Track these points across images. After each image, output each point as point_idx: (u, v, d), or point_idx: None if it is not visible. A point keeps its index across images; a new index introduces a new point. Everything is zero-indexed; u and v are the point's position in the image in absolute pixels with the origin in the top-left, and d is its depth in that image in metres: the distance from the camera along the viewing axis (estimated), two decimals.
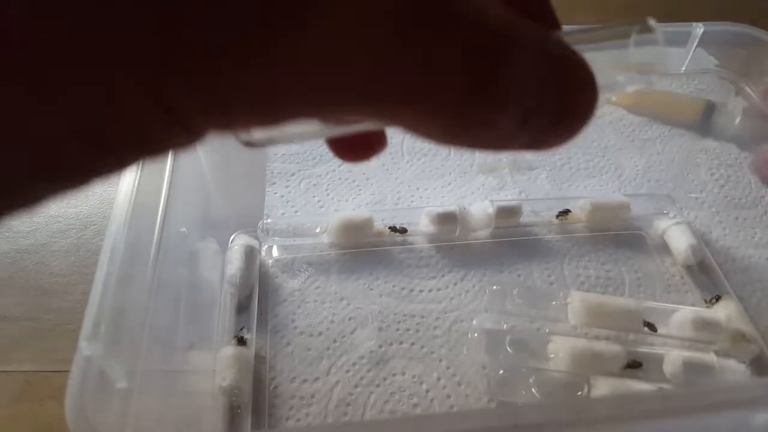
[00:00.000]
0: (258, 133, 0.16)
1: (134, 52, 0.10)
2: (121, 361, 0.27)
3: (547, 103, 0.13)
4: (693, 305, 0.39)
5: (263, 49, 0.11)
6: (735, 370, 0.35)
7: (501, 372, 0.35)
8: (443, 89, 0.12)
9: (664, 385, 0.34)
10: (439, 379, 0.36)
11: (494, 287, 0.39)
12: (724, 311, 0.38)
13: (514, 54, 0.12)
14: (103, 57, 0.10)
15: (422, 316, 0.39)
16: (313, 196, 0.46)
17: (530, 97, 0.13)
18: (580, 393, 0.34)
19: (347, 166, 0.49)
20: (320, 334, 0.38)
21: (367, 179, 0.48)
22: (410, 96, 0.12)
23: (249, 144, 0.16)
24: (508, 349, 0.36)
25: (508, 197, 0.46)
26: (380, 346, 0.37)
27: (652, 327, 0.36)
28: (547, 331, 0.38)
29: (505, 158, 0.50)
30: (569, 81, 0.13)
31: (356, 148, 0.18)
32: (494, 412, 0.33)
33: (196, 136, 0.12)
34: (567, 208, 0.44)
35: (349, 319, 0.39)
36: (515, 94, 0.13)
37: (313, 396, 0.35)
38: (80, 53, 0.10)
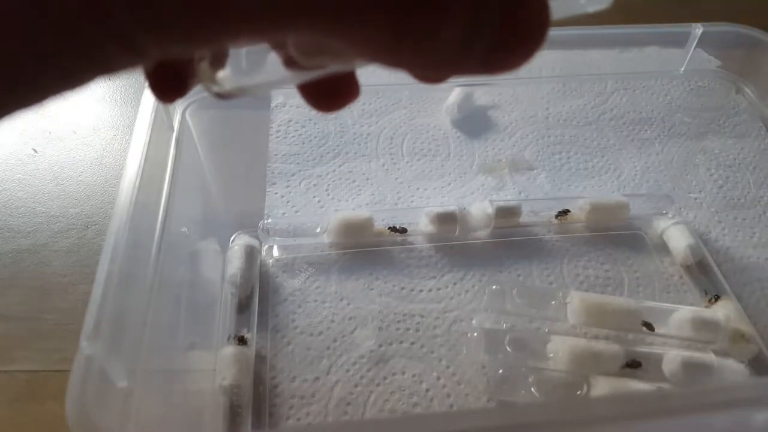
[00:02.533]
0: (227, 82, 0.16)
1: None
2: (121, 361, 0.27)
3: (488, 17, 0.13)
4: (692, 305, 0.39)
5: None
6: (734, 369, 0.35)
7: (500, 371, 0.35)
8: None
9: (663, 385, 0.34)
10: (438, 378, 0.36)
11: (494, 287, 0.39)
12: (723, 311, 0.38)
13: None
14: None
15: (422, 316, 0.39)
16: (314, 196, 0.47)
17: (467, 9, 0.12)
18: (579, 392, 0.34)
19: (347, 167, 0.49)
20: (320, 333, 0.38)
21: (367, 179, 0.48)
22: (335, 7, 0.12)
23: (220, 95, 0.17)
24: (508, 348, 0.36)
25: (507, 197, 0.46)
26: (380, 346, 0.37)
27: (650, 327, 0.36)
28: (546, 330, 0.38)
29: (504, 158, 0.50)
30: None
31: (329, 96, 0.18)
32: (494, 411, 0.33)
33: (136, 50, 0.12)
34: (566, 208, 0.44)
35: (349, 318, 0.39)
36: (448, 5, 0.12)
37: (313, 395, 0.35)
38: None
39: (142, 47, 0.12)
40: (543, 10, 0.13)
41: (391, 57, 0.13)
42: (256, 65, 0.16)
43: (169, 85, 0.16)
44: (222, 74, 0.16)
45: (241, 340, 0.37)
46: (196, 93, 0.44)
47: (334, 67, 0.16)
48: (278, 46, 0.16)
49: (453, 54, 0.13)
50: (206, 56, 0.16)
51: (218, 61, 0.16)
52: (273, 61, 0.16)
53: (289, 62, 0.16)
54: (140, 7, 0.11)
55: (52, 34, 0.11)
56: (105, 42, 0.12)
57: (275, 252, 0.43)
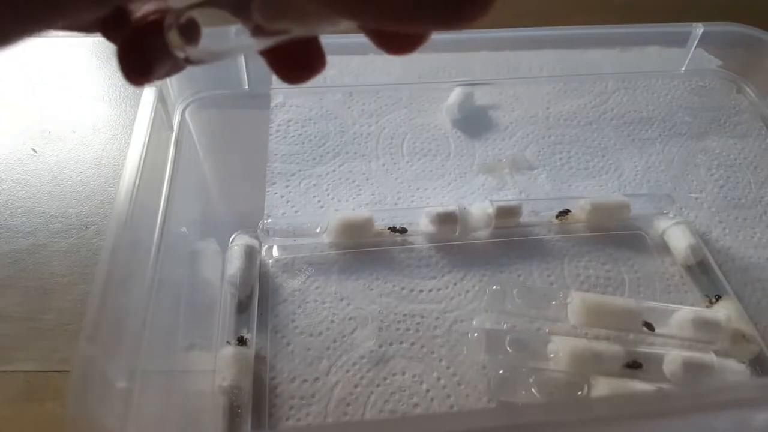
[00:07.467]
0: (194, 49, 0.17)
1: None
2: (121, 361, 0.27)
3: None
4: (693, 305, 0.39)
5: None
6: (735, 369, 0.35)
7: (501, 372, 0.35)
8: None
9: (664, 385, 0.34)
10: (439, 378, 0.36)
11: (494, 287, 0.39)
12: (723, 311, 0.38)
13: None
14: None
15: (422, 316, 0.39)
16: (313, 196, 0.46)
17: None
18: (580, 393, 0.34)
19: (347, 167, 0.49)
20: (320, 334, 0.38)
21: (367, 179, 0.48)
22: None
23: (189, 60, 0.18)
24: (508, 349, 0.36)
25: (508, 197, 0.46)
26: (380, 346, 0.37)
27: (650, 327, 0.36)
28: (547, 331, 0.38)
29: (504, 158, 0.50)
30: None
31: (296, 66, 0.19)
32: (494, 412, 0.33)
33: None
34: (567, 208, 0.44)
35: (349, 319, 0.39)
36: None
37: (313, 396, 0.35)
38: None
39: None
40: None
41: (344, 5, 0.13)
42: (222, 33, 0.17)
43: (136, 66, 0.18)
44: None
45: (241, 341, 0.37)
46: (196, 93, 0.44)
47: (297, 32, 0.17)
48: (245, 18, 0.16)
49: (402, 9, 0.13)
50: (174, 24, 0.17)
51: (187, 30, 0.17)
52: (239, 28, 0.17)
53: (256, 32, 0.17)
54: None
55: None
56: None
57: (275, 252, 0.43)
